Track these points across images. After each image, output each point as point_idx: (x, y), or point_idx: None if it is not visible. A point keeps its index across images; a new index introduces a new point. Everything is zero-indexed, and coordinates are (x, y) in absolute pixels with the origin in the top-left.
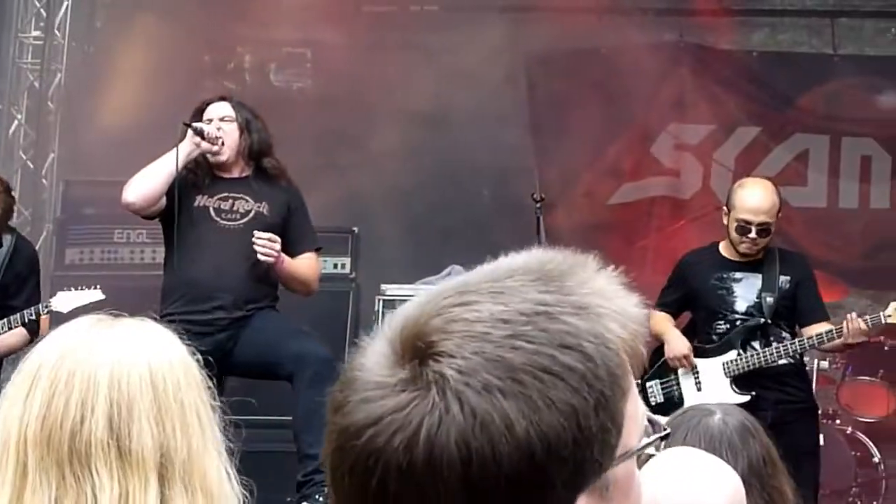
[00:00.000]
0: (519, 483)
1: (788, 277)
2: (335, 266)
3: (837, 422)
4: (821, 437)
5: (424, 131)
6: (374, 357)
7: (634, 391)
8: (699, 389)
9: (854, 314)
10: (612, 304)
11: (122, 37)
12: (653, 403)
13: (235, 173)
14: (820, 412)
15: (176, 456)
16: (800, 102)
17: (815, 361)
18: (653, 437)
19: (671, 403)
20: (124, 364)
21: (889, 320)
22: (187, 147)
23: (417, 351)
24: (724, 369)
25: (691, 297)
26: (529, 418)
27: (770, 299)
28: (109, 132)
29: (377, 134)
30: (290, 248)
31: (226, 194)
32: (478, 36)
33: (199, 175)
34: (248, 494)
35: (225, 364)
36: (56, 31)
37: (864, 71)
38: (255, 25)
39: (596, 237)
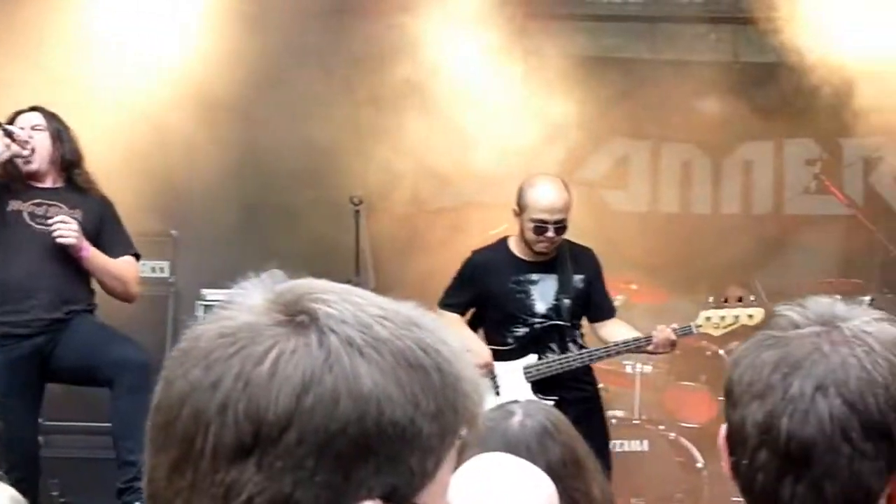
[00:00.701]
0: (342, 435)
1: (582, 276)
2: (154, 270)
3: (661, 427)
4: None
5: (243, 133)
6: (248, 297)
7: (453, 461)
8: (498, 394)
9: (663, 326)
10: (470, 366)
11: None
12: None
13: (48, 183)
14: (644, 418)
15: None
16: (620, 108)
17: (639, 366)
18: None
19: None
20: None
21: (699, 330)
22: None
23: (296, 295)
24: (525, 374)
25: (485, 300)
26: (376, 381)
27: (567, 301)
28: None
29: (194, 136)
30: (107, 254)
31: (40, 201)
32: (295, 37)
33: (12, 182)
34: None
35: (45, 369)
36: None
37: (683, 76)
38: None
39: (417, 240)
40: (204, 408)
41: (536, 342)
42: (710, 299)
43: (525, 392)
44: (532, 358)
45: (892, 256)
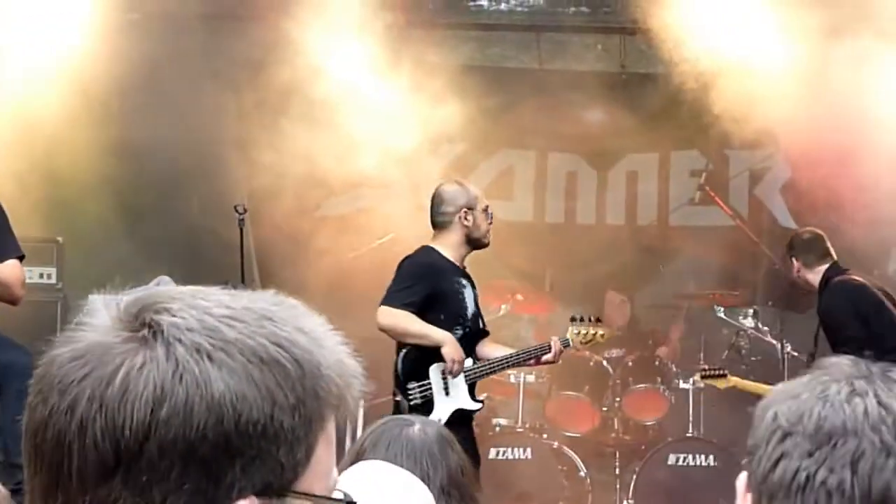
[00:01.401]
0: (202, 441)
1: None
2: (41, 276)
3: (544, 436)
4: None
5: (128, 137)
6: (95, 316)
7: (332, 439)
8: (447, 395)
9: (556, 338)
10: (335, 350)
11: None
12: (411, 405)
13: None
14: (528, 426)
15: None
16: (506, 118)
17: (522, 376)
18: (340, 496)
19: (428, 407)
20: None
21: (573, 342)
22: None
23: (141, 307)
24: (465, 375)
25: (434, 300)
26: (228, 384)
27: (478, 308)
28: None
29: (84, 139)
30: None
31: None
32: (190, 39)
33: None
34: None
35: None
36: None
37: (570, 86)
38: None
39: (305, 247)
40: (64, 432)
41: (468, 346)
42: (577, 317)
43: (464, 394)
44: (469, 361)
45: (776, 269)
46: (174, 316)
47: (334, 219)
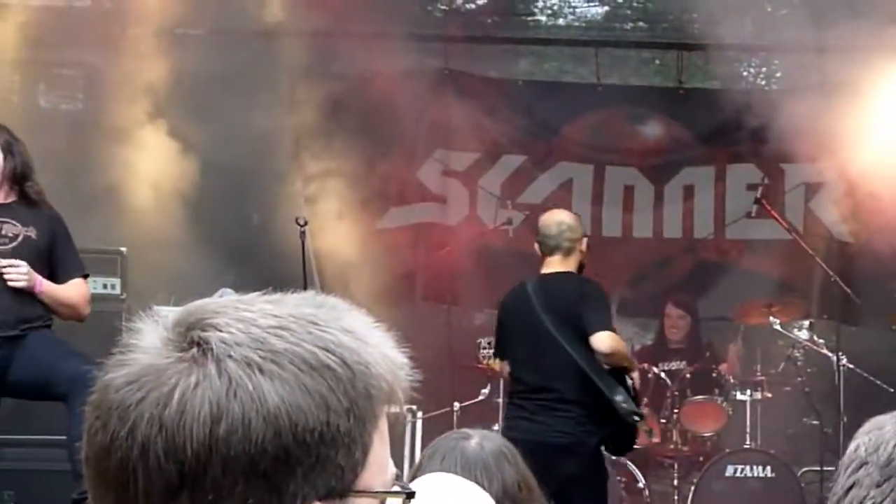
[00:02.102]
0: (262, 455)
1: None
2: (105, 286)
3: (604, 448)
4: None
5: (193, 155)
6: (144, 338)
7: (385, 435)
8: None
9: None
10: (380, 344)
11: None
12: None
13: (0, 198)
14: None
15: None
16: (564, 131)
17: None
18: (399, 489)
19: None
20: None
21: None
22: None
23: (187, 326)
24: None
25: None
26: (282, 396)
27: None
28: None
29: (147, 155)
30: (57, 276)
31: None
32: (243, 59)
33: None
34: None
35: (0, 384)
36: None
37: (627, 100)
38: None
39: (362, 261)
40: (127, 457)
41: None
42: None
43: None
44: None
45: (831, 281)
46: (221, 331)
47: (393, 231)
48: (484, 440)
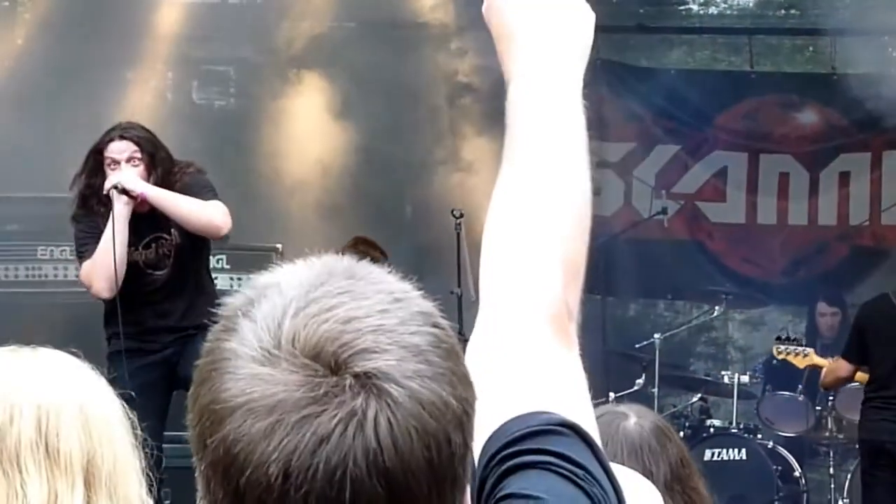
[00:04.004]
0: (464, 454)
1: None
2: None
3: (759, 436)
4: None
5: (345, 146)
6: (277, 376)
7: None
8: None
9: None
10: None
11: (38, 54)
12: None
13: (145, 207)
14: (742, 426)
15: (102, 465)
16: (718, 120)
17: (736, 376)
18: None
19: None
20: (49, 377)
21: None
22: (124, 211)
23: (327, 356)
24: None
25: None
26: (451, 393)
27: None
28: (30, 149)
29: (298, 151)
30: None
31: (146, 239)
32: (395, 53)
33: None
34: None
35: (173, 377)
36: None
37: (781, 88)
38: (177, 42)
39: None
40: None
41: None
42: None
43: None
44: None
45: None
46: (372, 352)
47: None
48: (640, 417)
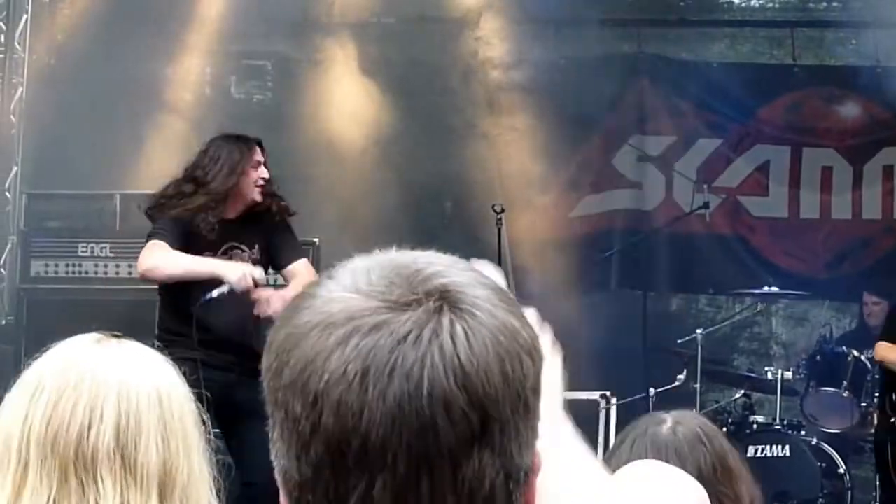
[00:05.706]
0: (535, 384)
1: None
2: None
3: (803, 433)
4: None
5: (384, 142)
6: (354, 297)
7: None
8: None
9: None
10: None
11: (83, 50)
12: None
13: (231, 214)
14: (786, 423)
15: (178, 476)
16: (760, 113)
17: (780, 372)
18: None
19: None
20: (132, 378)
21: None
22: (237, 286)
23: (401, 278)
24: None
25: None
26: (521, 325)
27: None
28: (71, 146)
29: (337, 146)
30: (280, 258)
31: (226, 248)
32: (433, 47)
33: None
34: None
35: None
36: (17, 45)
37: (824, 81)
38: (215, 37)
39: (558, 249)
40: (422, 413)
41: None
42: None
43: None
44: None
45: None
46: (451, 277)
47: (589, 218)
48: (678, 424)
